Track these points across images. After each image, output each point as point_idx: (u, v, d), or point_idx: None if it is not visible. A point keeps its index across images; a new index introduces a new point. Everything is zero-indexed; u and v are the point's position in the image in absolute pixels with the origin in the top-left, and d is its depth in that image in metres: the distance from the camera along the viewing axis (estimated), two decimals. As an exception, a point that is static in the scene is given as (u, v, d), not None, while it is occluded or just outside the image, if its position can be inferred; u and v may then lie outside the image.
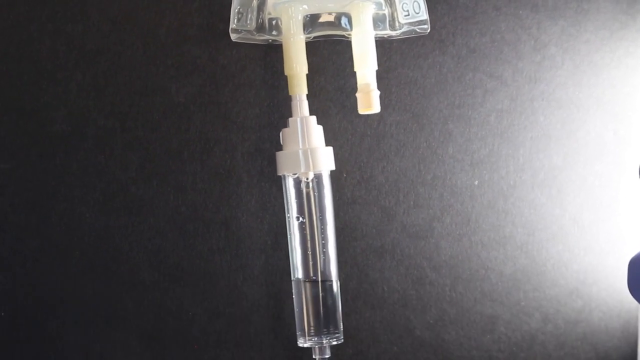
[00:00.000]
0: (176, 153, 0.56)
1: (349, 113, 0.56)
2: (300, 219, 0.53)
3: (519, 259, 0.58)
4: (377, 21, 0.54)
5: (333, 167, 0.53)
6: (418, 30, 0.55)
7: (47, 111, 0.55)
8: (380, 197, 0.57)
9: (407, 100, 0.57)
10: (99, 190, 0.55)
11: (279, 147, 0.54)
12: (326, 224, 0.53)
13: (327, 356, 0.54)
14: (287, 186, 0.53)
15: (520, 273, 0.58)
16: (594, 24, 0.58)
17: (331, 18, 0.54)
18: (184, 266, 0.56)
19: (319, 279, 0.53)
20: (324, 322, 0.53)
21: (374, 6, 0.54)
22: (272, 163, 0.55)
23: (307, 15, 0.54)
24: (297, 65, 0.53)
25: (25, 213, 0.55)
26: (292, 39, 0.53)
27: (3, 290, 0.56)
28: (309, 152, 0.52)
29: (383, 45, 0.56)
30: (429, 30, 0.55)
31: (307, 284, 0.53)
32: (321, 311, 0.53)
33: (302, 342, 0.54)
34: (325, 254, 0.53)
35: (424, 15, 0.54)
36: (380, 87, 0.54)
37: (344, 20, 0.54)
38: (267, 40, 0.54)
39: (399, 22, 0.54)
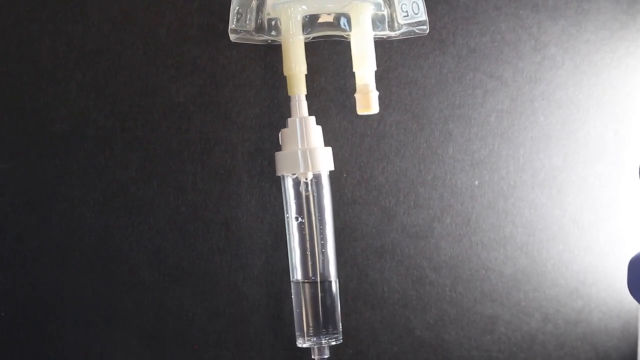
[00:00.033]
0: (176, 153, 0.56)
1: (349, 113, 0.56)
2: (299, 219, 0.53)
3: (519, 259, 0.58)
4: (376, 22, 0.54)
5: (332, 168, 0.53)
6: (417, 31, 0.55)
7: (47, 111, 0.55)
8: (380, 198, 0.57)
9: (408, 101, 0.57)
10: (99, 190, 0.55)
11: (279, 147, 0.54)
12: (325, 224, 0.53)
13: (326, 356, 0.54)
14: (286, 186, 0.53)
15: (520, 273, 0.58)
16: (594, 24, 0.58)
17: (330, 19, 0.54)
18: (184, 266, 0.56)
19: (318, 280, 0.53)
20: (322, 323, 0.53)
21: (373, 7, 0.54)
22: (272, 163, 0.55)
23: (306, 16, 0.54)
24: (296, 66, 0.53)
25: (25, 213, 0.55)
26: (291, 40, 0.53)
27: (3, 290, 0.56)
28: (308, 152, 0.52)
29: (383, 45, 0.56)
30: (427, 31, 0.55)
31: (306, 285, 0.53)
32: (320, 311, 0.53)
33: (301, 343, 0.54)
34: (324, 254, 0.53)
35: (423, 16, 0.54)
36: (380, 87, 0.54)
37: (343, 21, 0.54)
38: (266, 40, 0.54)
39: (398, 22, 0.54)
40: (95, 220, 0.56)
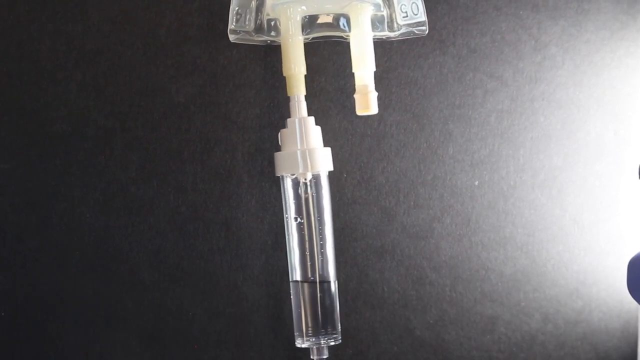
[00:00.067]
0: (176, 153, 0.56)
1: (349, 113, 0.56)
2: (299, 219, 0.53)
3: (519, 260, 0.58)
4: (376, 22, 0.54)
5: (331, 168, 0.53)
6: (416, 32, 0.55)
7: (47, 111, 0.55)
8: (380, 198, 0.57)
9: (408, 101, 0.57)
10: (99, 190, 0.55)
11: (279, 148, 0.54)
12: (324, 225, 0.53)
13: (324, 357, 0.54)
14: (286, 187, 0.53)
15: (520, 273, 0.58)
16: (595, 24, 0.58)
17: (329, 19, 0.54)
18: (184, 266, 0.56)
19: (317, 280, 0.53)
20: (321, 323, 0.53)
21: (373, 7, 0.54)
22: (272, 163, 0.55)
23: (305, 17, 0.54)
24: (295, 66, 0.53)
25: (25, 213, 0.55)
26: (290, 40, 0.53)
27: (3, 290, 0.56)
28: (307, 152, 0.52)
29: (383, 46, 0.56)
30: (427, 32, 0.55)
31: (305, 285, 0.53)
32: (319, 312, 0.53)
33: (300, 343, 0.54)
34: (323, 254, 0.53)
35: (422, 16, 0.54)
36: (380, 87, 0.54)
37: (342, 22, 0.54)
38: (266, 41, 0.54)
39: (397, 23, 0.54)
40: (95, 220, 0.56)
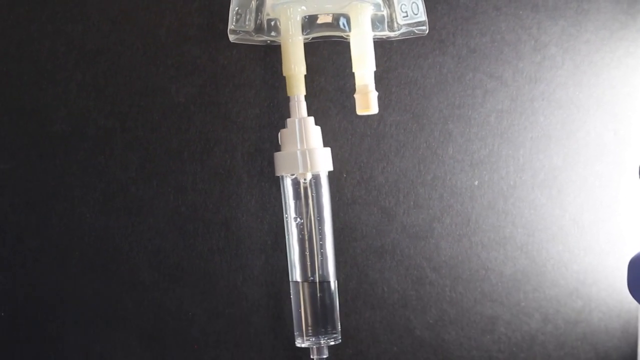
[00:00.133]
0: (176, 153, 0.56)
1: (348, 113, 0.56)
2: (298, 219, 0.53)
3: (519, 260, 0.58)
4: (376, 22, 0.54)
5: (331, 168, 0.53)
6: (417, 32, 0.55)
7: (47, 111, 0.55)
8: (380, 198, 0.57)
9: (407, 101, 0.57)
10: (99, 190, 0.55)
11: (279, 148, 0.54)
12: (324, 225, 0.53)
13: (324, 356, 0.54)
14: (285, 187, 0.53)
15: (520, 273, 0.58)
16: (594, 24, 0.58)
17: (329, 19, 0.54)
18: (183, 266, 0.56)
19: (317, 280, 0.53)
20: (321, 323, 0.53)
21: (373, 7, 0.54)
22: (272, 163, 0.55)
23: (305, 17, 0.54)
24: (295, 66, 0.53)
25: (25, 213, 0.55)
26: (290, 40, 0.53)
27: (3, 290, 0.56)
28: (307, 152, 0.52)
29: (383, 46, 0.56)
30: (427, 32, 0.55)
31: (305, 285, 0.53)
32: (319, 311, 0.53)
33: (300, 342, 0.54)
34: (323, 254, 0.53)
35: (422, 16, 0.54)
36: (380, 87, 0.54)
37: (342, 21, 0.54)
38: (266, 41, 0.54)
39: (397, 23, 0.54)
40: (95, 221, 0.56)
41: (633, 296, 0.51)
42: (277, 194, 0.56)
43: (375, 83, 0.54)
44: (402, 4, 0.54)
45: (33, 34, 0.55)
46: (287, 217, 0.53)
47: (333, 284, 0.53)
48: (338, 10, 0.54)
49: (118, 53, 0.55)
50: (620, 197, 0.58)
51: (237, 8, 0.53)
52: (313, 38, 0.55)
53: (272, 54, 0.55)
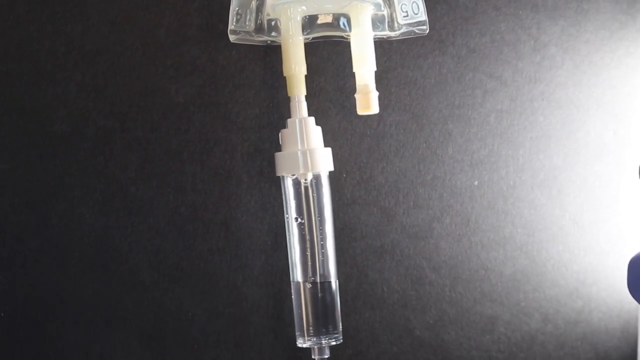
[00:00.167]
0: (176, 153, 0.56)
1: (348, 113, 0.56)
2: (299, 219, 0.53)
3: (518, 260, 0.58)
4: (376, 22, 0.54)
5: (332, 168, 0.53)
6: (417, 31, 0.55)
7: (46, 111, 0.55)
8: (380, 198, 0.57)
9: (407, 101, 0.57)
10: (98, 190, 0.55)
11: (279, 148, 0.54)
12: (325, 225, 0.53)
13: (326, 356, 0.54)
14: (286, 187, 0.53)
15: (520, 273, 0.58)
16: (594, 24, 0.58)
17: (330, 19, 0.54)
18: (183, 266, 0.56)
19: (318, 280, 0.53)
20: (322, 323, 0.53)
21: (373, 7, 0.54)
22: (272, 163, 0.55)
23: (305, 17, 0.54)
24: (296, 67, 0.53)
25: (25, 213, 0.55)
26: (290, 40, 0.53)
27: (3, 290, 0.56)
28: (308, 153, 0.52)
29: (382, 46, 0.56)
30: (427, 31, 0.55)
31: (306, 285, 0.53)
32: (320, 312, 0.53)
33: (301, 343, 0.54)
34: (324, 254, 0.53)
35: (422, 16, 0.54)
36: (379, 87, 0.54)
37: (342, 21, 0.54)
38: (266, 41, 0.54)
39: (398, 23, 0.54)
40: (94, 221, 0.56)
41: (633, 296, 0.51)
42: (276, 194, 0.56)
43: (375, 83, 0.53)
44: (402, 4, 0.54)
45: (33, 34, 0.55)
46: (287, 217, 0.53)
47: (334, 284, 0.53)
48: (338, 10, 0.54)
49: (117, 53, 0.55)
50: (620, 197, 0.58)
51: (237, 8, 0.53)
52: (313, 38, 0.55)
53: (272, 54, 0.55)
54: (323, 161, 0.53)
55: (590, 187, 0.58)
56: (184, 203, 0.56)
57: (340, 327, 0.54)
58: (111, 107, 0.55)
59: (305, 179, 0.53)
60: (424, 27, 0.54)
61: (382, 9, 0.54)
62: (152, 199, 0.56)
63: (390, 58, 0.57)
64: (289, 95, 0.53)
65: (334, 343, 0.53)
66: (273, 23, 0.54)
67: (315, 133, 0.53)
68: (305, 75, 0.53)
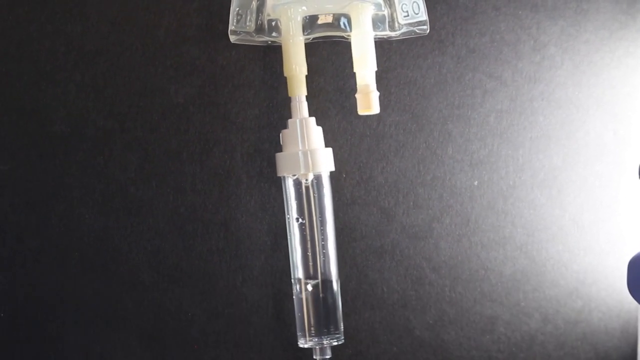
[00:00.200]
0: (175, 154, 0.56)
1: (348, 114, 0.56)
2: (300, 220, 0.53)
3: (518, 260, 0.58)
4: (377, 22, 0.54)
5: (333, 168, 0.53)
6: (417, 31, 0.55)
7: (46, 112, 0.55)
8: (379, 198, 0.57)
9: (407, 101, 0.57)
10: (98, 191, 0.55)
11: (279, 148, 0.54)
12: (326, 225, 0.53)
13: (327, 357, 0.54)
14: (287, 187, 0.53)
15: (519, 273, 0.58)
16: (594, 24, 0.58)
17: (330, 19, 0.54)
18: (183, 267, 0.56)
19: (319, 280, 0.53)
20: (324, 323, 0.53)
21: (373, 7, 0.53)
22: (272, 164, 0.55)
23: (306, 17, 0.54)
24: (297, 67, 0.53)
25: (25, 213, 0.55)
26: (291, 41, 0.53)
27: (3, 290, 0.56)
28: (309, 153, 0.52)
29: (382, 46, 0.56)
30: (428, 31, 0.55)
31: (308, 285, 0.53)
32: (321, 312, 0.53)
33: (303, 343, 0.54)
34: (325, 254, 0.53)
35: (423, 16, 0.54)
36: (379, 87, 0.54)
37: (343, 21, 0.54)
38: (267, 41, 0.54)
39: (398, 22, 0.54)
40: (94, 221, 0.56)
41: (633, 296, 0.51)
42: (276, 195, 0.56)
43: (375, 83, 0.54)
44: (403, 4, 0.54)
45: (32, 34, 0.55)
46: (289, 218, 0.53)
47: (335, 284, 0.53)
48: (339, 10, 0.54)
49: (117, 54, 0.55)
50: (620, 197, 0.58)
51: (237, 9, 0.53)
52: (314, 38, 0.55)
53: (272, 54, 0.55)
54: (324, 161, 0.52)
55: (590, 187, 0.58)
56: (184, 203, 0.56)
57: (342, 327, 0.54)
58: (111, 107, 0.55)
59: (306, 179, 0.53)
60: (425, 27, 0.54)
61: (383, 9, 0.54)
62: (152, 199, 0.56)
63: (390, 58, 0.57)
64: (290, 95, 0.53)
65: (335, 343, 0.53)
66: (273, 23, 0.54)
67: (316, 133, 0.53)
68: (305, 76, 0.53)
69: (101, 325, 0.56)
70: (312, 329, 0.53)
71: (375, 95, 0.53)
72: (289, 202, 0.53)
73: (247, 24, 0.53)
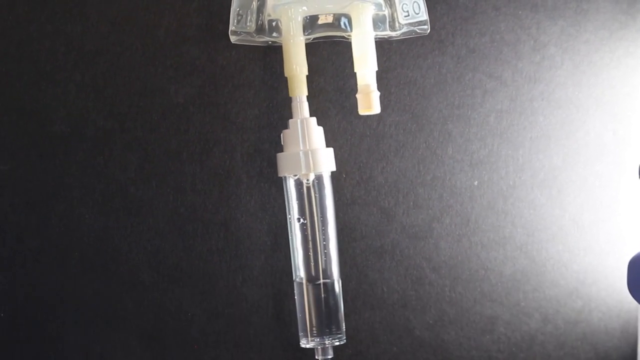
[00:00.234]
0: (175, 154, 0.56)
1: (348, 114, 0.56)
2: (302, 220, 0.53)
3: (518, 260, 0.58)
4: (377, 22, 0.54)
5: (334, 168, 0.53)
6: (418, 31, 0.55)
7: (46, 112, 0.55)
8: (379, 198, 0.57)
9: (407, 101, 0.57)
10: (98, 191, 0.55)
11: (279, 148, 0.54)
12: (327, 225, 0.53)
13: (329, 357, 0.54)
14: (288, 187, 0.53)
15: (519, 273, 0.58)
16: (594, 24, 0.58)
17: (331, 19, 0.54)
18: (183, 267, 0.56)
19: (321, 280, 0.53)
20: (326, 323, 0.53)
21: (374, 7, 0.53)
22: (272, 164, 0.55)
23: (306, 17, 0.54)
24: (297, 67, 0.53)
25: (25, 213, 0.55)
26: (292, 41, 0.53)
27: (3, 290, 0.56)
28: (310, 153, 0.52)
29: (382, 46, 0.56)
30: (428, 31, 0.55)
31: (309, 285, 0.53)
32: (323, 312, 0.53)
33: (305, 343, 0.54)
34: (326, 254, 0.53)
35: (424, 15, 0.54)
36: (379, 87, 0.54)
37: (343, 21, 0.54)
38: (267, 42, 0.54)
39: (399, 22, 0.54)
40: (94, 221, 0.56)
41: (633, 296, 0.51)
42: (276, 195, 0.56)
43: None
44: (403, 4, 0.54)
45: (33, 34, 0.55)
46: (290, 218, 0.53)
47: (337, 284, 0.53)
48: (339, 10, 0.54)
49: (117, 54, 0.55)
50: (620, 197, 0.58)
51: (238, 9, 0.53)
52: (314, 38, 0.55)
53: (272, 54, 0.55)
54: (325, 161, 0.52)
55: (590, 187, 0.58)
56: (184, 203, 0.56)
57: (344, 327, 0.54)
58: (111, 107, 0.55)
59: (308, 180, 0.53)
60: (425, 26, 0.54)
61: (383, 8, 0.54)
62: (152, 199, 0.56)
63: (390, 58, 0.57)
64: (291, 95, 0.53)
65: (337, 343, 0.53)
66: (274, 24, 0.54)
67: (317, 133, 0.53)
68: (306, 76, 0.53)
69: (101, 325, 0.56)
70: (314, 329, 0.53)
71: (376, 95, 0.53)
72: (291, 203, 0.53)
73: (248, 24, 0.53)
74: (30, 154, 0.55)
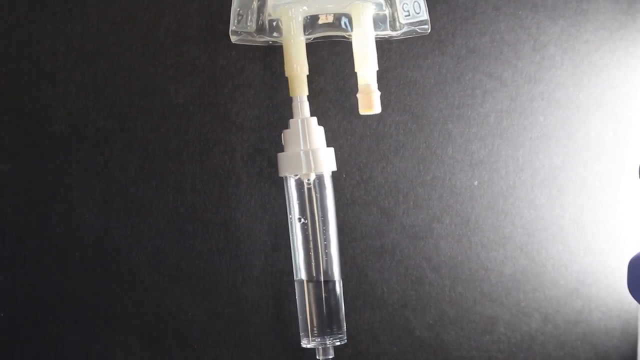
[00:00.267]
0: (175, 154, 0.56)
1: (348, 114, 0.56)
2: (302, 220, 0.53)
3: (518, 260, 0.58)
4: (378, 22, 0.54)
5: (334, 168, 0.53)
6: (419, 31, 0.55)
7: (46, 112, 0.55)
8: (379, 198, 0.57)
9: (407, 101, 0.57)
10: (98, 190, 0.55)
11: (279, 148, 0.54)
12: (328, 225, 0.53)
13: (330, 357, 0.54)
14: (289, 187, 0.53)
15: (520, 273, 0.58)
16: (594, 24, 0.58)
17: (331, 19, 0.54)
18: (183, 267, 0.56)
19: (322, 280, 0.53)
20: (327, 323, 0.53)
21: (374, 7, 0.53)
22: (272, 164, 0.55)
23: (307, 17, 0.54)
24: (298, 67, 0.53)
25: (25, 213, 0.55)
26: (292, 41, 0.53)
27: (3, 290, 0.56)
28: (311, 153, 0.52)
29: (382, 46, 0.56)
30: (429, 31, 0.55)
31: (310, 285, 0.53)
32: (324, 312, 0.53)
33: (306, 343, 0.54)
34: (327, 254, 0.53)
35: (424, 15, 0.54)
36: (379, 87, 0.54)
37: (344, 21, 0.54)
38: (268, 42, 0.54)
39: (399, 22, 0.54)
40: (94, 221, 0.56)
41: (633, 296, 0.51)
42: (276, 195, 0.56)
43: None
44: (404, 3, 0.54)
45: (33, 34, 0.55)
46: (291, 218, 0.53)
47: (338, 284, 0.53)
48: (340, 10, 0.54)
49: (117, 53, 0.55)
50: (620, 197, 0.58)
51: (238, 9, 0.53)
52: (315, 38, 0.55)
53: (272, 54, 0.55)
54: (326, 161, 0.52)
55: (590, 187, 0.58)
56: (184, 203, 0.56)
57: (345, 327, 0.54)
58: (111, 107, 0.55)
59: (308, 180, 0.53)
60: (426, 26, 0.54)
61: (384, 8, 0.54)
62: (152, 199, 0.56)
63: (390, 58, 0.57)
64: (291, 95, 0.53)
65: (338, 343, 0.53)
66: (274, 23, 0.54)
67: (317, 133, 0.53)
68: (307, 76, 0.53)
69: (101, 325, 0.56)
70: (315, 329, 0.53)
71: (376, 94, 0.53)
72: (291, 203, 0.53)
73: (248, 24, 0.53)
74: (30, 154, 0.55)
